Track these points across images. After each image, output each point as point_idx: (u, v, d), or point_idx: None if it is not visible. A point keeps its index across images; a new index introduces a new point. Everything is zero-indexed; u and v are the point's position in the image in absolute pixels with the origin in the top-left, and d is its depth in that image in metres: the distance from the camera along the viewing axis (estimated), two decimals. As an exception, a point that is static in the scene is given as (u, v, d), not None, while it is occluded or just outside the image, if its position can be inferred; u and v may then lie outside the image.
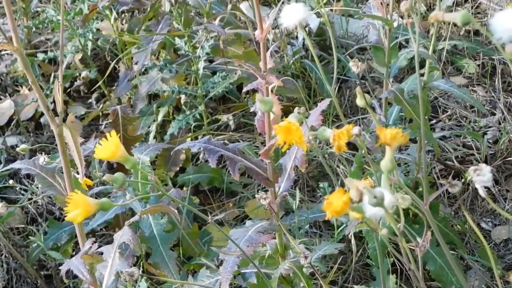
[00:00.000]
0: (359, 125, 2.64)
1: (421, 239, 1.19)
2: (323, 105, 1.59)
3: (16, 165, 1.52)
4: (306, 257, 1.43)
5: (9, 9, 1.16)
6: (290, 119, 1.07)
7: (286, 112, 2.47)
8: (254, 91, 1.61)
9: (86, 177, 1.57)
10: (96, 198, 2.37)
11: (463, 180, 2.42)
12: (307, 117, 1.60)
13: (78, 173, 1.40)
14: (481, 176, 0.91)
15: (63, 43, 2.92)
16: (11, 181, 2.35)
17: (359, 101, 1.16)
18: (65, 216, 1.16)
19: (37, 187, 2.45)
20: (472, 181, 2.29)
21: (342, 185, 2.02)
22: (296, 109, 1.11)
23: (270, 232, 1.69)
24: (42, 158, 1.58)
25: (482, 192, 0.92)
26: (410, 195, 1.08)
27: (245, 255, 1.47)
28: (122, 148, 1.14)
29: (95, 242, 2.38)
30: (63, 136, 1.29)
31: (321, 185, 2.26)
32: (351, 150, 2.43)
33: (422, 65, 2.10)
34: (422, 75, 2.09)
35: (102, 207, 1.14)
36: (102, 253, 1.39)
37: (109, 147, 1.13)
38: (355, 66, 1.13)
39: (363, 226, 1.70)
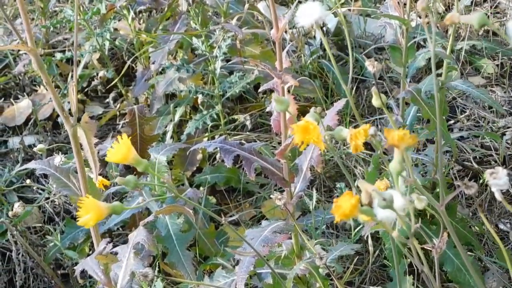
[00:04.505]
0: (377, 125, 2.64)
1: (438, 240, 1.18)
2: (339, 105, 1.59)
3: (31, 165, 1.52)
4: (321, 258, 1.42)
5: (23, 9, 1.15)
6: (308, 119, 1.06)
7: (303, 112, 2.47)
8: (271, 91, 1.61)
9: (103, 176, 1.57)
10: (113, 197, 2.39)
11: (481, 181, 2.41)
12: (323, 117, 1.60)
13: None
14: (497, 179, 0.90)
15: (81, 43, 2.93)
16: (28, 181, 2.35)
17: (375, 101, 1.15)
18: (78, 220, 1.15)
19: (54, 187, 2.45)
20: (490, 182, 2.26)
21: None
22: (312, 109, 1.10)
23: (286, 232, 1.69)
24: (58, 158, 1.58)
25: (498, 196, 0.91)
26: (426, 196, 1.07)
27: (259, 256, 1.47)
28: (134, 151, 1.13)
29: (111, 241, 2.38)
30: (77, 137, 1.29)
31: (338, 185, 2.25)
32: (368, 150, 2.42)
33: (440, 65, 2.08)
34: (440, 75, 2.08)
35: (114, 211, 1.14)
36: (117, 253, 1.39)
37: (121, 149, 1.13)
38: (371, 66, 1.12)
39: (380, 227, 1.69)
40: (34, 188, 2.56)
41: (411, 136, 0.94)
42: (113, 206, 1.13)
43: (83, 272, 1.45)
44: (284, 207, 1.50)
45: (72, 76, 2.77)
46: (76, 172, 1.39)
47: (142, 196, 2.00)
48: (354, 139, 1.01)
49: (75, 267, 2.27)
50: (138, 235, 1.33)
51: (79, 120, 1.29)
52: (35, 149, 1.92)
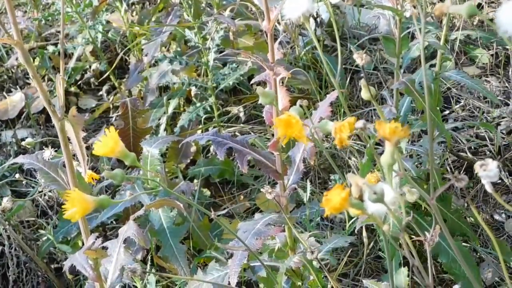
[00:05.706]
0: (371, 117, 2.62)
1: (430, 232, 1.17)
2: (331, 96, 1.58)
3: (19, 159, 1.51)
4: (312, 253, 1.41)
5: (9, 2, 1.14)
6: (291, 112, 1.05)
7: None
8: (265, 82, 1.60)
9: (93, 170, 1.56)
10: (106, 191, 2.38)
11: (476, 172, 2.39)
12: (316, 109, 1.58)
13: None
14: (487, 171, 0.89)
15: (74, 36, 2.91)
16: (17, 175, 2.34)
17: (364, 94, 1.13)
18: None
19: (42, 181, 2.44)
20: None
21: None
22: (298, 102, 1.08)
23: (279, 224, 1.68)
24: (48, 152, 1.57)
25: (489, 188, 0.90)
26: (417, 189, 1.05)
27: (249, 250, 1.46)
28: (121, 144, 1.12)
29: (105, 235, 2.37)
30: (65, 131, 1.28)
31: (332, 177, 2.24)
32: (362, 141, 2.40)
33: (434, 56, 2.07)
34: (434, 65, 2.07)
35: (101, 205, 1.12)
36: (107, 248, 1.38)
37: (108, 143, 1.12)
38: (359, 58, 1.10)
39: (371, 220, 1.68)
40: (27, 181, 2.54)
41: (403, 128, 0.93)
42: (100, 199, 1.12)
43: (74, 267, 1.44)
44: (275, 201, 1.49)
45: (65, 69, 2.76)
46: (65, 167, 1.38)
47: (134, 189, 1.99)
48: (338, 133, 1.00)
49: (68, 261, 2.27)
50: (128, 230, 1.32)
51: (67, 113, 1.28)
52: (23, 143, 1.91)
